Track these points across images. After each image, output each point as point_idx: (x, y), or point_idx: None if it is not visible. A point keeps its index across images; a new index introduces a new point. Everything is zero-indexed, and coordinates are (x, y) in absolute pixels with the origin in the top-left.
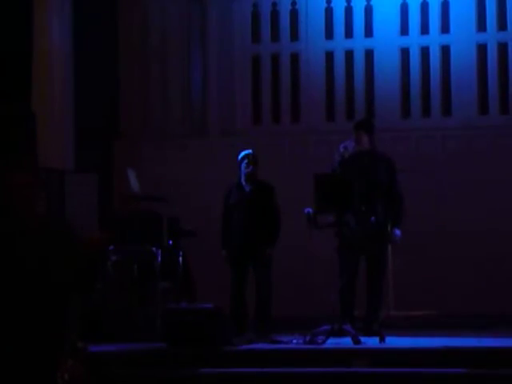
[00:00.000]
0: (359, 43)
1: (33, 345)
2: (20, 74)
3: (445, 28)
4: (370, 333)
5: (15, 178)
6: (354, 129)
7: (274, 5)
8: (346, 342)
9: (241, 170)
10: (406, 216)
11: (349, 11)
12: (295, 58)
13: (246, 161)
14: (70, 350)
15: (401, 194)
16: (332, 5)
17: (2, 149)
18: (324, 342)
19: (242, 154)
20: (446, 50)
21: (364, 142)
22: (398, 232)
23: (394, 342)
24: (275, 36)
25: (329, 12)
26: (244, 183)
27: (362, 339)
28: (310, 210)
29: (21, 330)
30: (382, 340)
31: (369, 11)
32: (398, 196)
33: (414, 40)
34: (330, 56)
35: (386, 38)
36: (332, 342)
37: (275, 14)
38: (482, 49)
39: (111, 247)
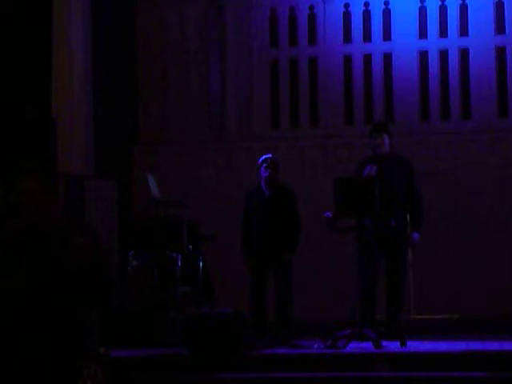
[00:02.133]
0: (377, 47)
1: (55, 350)
2: (40, 79)
3: (463, 31)
4: (391, 337)
5: (24, 184)
6: (374, 131)
7: (292, 9)
8: (367, 346)
9: (260, 174)
10: (425, 219)
11: (367, 15)
12: (313, 62)
13: (264, 165)
14: (92, 356)
15: (420, 198)
16: (350, 9)
17: (21, 154)
18: (345, 346)
19: (262, 158)
20: (464, 53)
21: (386, 144)
22: (416, 235)
23: (415, 345)
24: (293, 40)
25: (347, 16)
26: (264, 187)
27: (383, 343)
28: (330, 214)
29: (43, 336)
30: (403, 344)
31: (387, 15)
32: (418, 199)
33: (433, 43)
34: (348, 60)
35: (405, 42)
36: (353, 347)
37: (293, 19)
38: (500, 51)
39: (131, 252)
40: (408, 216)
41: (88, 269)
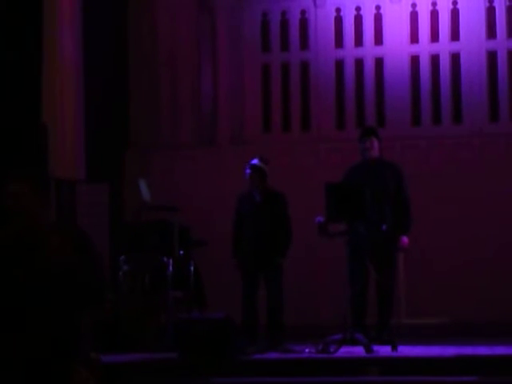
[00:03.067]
0: (369, 51)
1: (46, 356)
2: (30, 84)
3: (455, 35)
4: (382, 341)
5: (11, 187)
6: (364, 135)
7: (284, 14)
8: (359, 350)
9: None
10: (413, 223)
11: (358, 19)
12: (305, 67)
13: (247, 172)
14: (83, 361)
15: (409, 202)
16: (341, 13)
17: (13, 160)
18: (336, 350)
19: (248, 164)
20: (455, 58)
21: (375, 148)
22: (405, 239)
23: (406, 350)
24: (285, 45)
25: (338, 20)
26: (254, 192)
27: (375, 348)
28: (321, 219)
29: (33, 341)
30: (395, 348)
31: (378, 19)
32: (407, 203)
33: (424, 48)
34: (339, 64)
35: (396, 46)
36: (344, 351)
37: (285, 23)
38: (491, 56)
39: (122, 257)
40: (397, 220)
41: (68, 270)
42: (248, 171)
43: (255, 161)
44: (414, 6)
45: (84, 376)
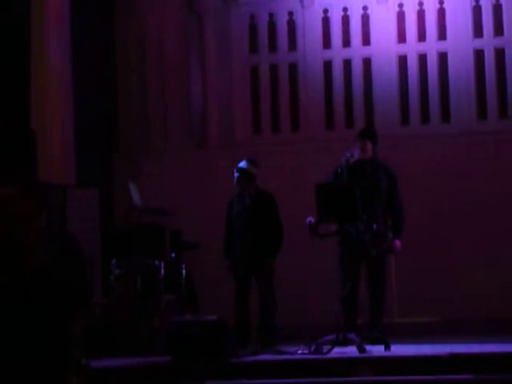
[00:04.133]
0: (357, 52)
1: (37, 363)
2: (18, 89)
3: (442, 35)
4: (374, 341)
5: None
6: (358, 136)
7: (271, 16)
8: (351, 351)
9: None
10: (405, 226)
11: (346, 20)
12: (293, 68)
13: (235, 175)
14: (74, 367)
15: (402, 205)
16: (329, 14)
17: (1, 166)
18: (329, 351)
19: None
20: (443, 57)
21: (368, 150)
22: (398, 243)
23: (399, 349)
24: (273, 46)
25: (326, 21)
26: (244, 194)
27: (367, 348)
28: (312, 220)
29: (23, 348)
30: (387, 348)
31: (365, 20)
32: (399, 207)
33: (412, 47)
34: (328, 65)
35: (384, 46)
36: (337, 352)
37: (272, 25)
38: (479, 55)
39: (113, 261)
40: (389, 222)
41: (45, 273)
42: (236, 175)
43: (243, 163)
44: (400, 6)
45: (75, 383)
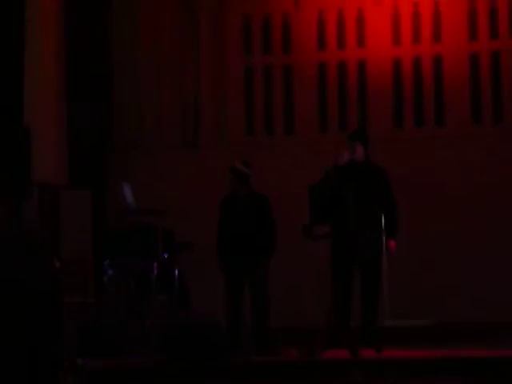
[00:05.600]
0: (352, 54)
1: (31, 363)
2: (12, 88)
3: (437, 37)
4: (367, 344)
5: None
6: (349, 139)
7: (266, 17)
8: (344, 353)
9: None
10: (400, 227)
11: (341, 22)
12: (287, 70)
13: (229, 176)
14: (69, 367)
15: (396, 206)
16: (324, 16)
17: None
18: (321, 353)
19: None
20: (438, 60)
21: (359, 152)
22: (392, 243)
23: (391, 352)
24: (267, 48)
25: (321, 23)
26: (237, 195)
27: (360, 350)
28: (306, 222)
29: (17, 348)
30: (379, 351)
31: (361, 22)
32: (394, 208)
33: (407, 50)
34: (322, 67)
35: (379, 49)
36: (329, 354)
37: (267, 26)
38: (474, 58)
39: (106, 261)
40: (383, 224)
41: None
42: (229, 176)
43: (236, 164)
44: (396, 8)
45: (71, 382)
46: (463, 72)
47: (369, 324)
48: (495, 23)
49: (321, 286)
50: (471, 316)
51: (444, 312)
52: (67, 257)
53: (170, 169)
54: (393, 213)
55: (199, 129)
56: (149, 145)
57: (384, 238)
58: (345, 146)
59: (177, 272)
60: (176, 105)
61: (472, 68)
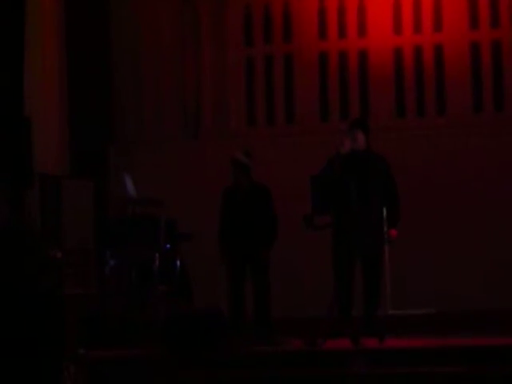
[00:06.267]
0: (353, 43)
1: (34, 354)
2: (13, 78)
3: (438, 26)
4: (369, 333)
5: None
6: (350, 127)
7: (267, 6)
8: (346, 343)
9: None
10: (401, 216)
11: (342, 11)
12: (289, 60)
13: (231, 166)
14: (71, 357)
15: (397, 195)
16: (325, 5)
17: None
18: (323, 343)
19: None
20: (439, 49)
21: (361, 140)
22: (394, 232)
23: (393, 341)
24: (268, 38)
25: (322, 12)
26: (239, 186)
27: (362, 340)
28: (308, 212)
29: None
30: (382, 340)
31: (362, 11)
32: (395, 196)
33: (408, 39)
34: (323, 56)
35: (380, 38)
36: (331, 344)
37: (268, 16)
38: (475, 47)
39: (108, 252)
40: (385, 213)
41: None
42: (231, 166)
43: (237, 155)
44: None
45: (72, 371)
46: (464, 61)
47: (371, 313)
48: (496, 12)
49: (322, 276)
50: (473, 305)
51: (446, 301)
52: (69, 247)
53: (171, 159)
54: (394, 202)
55: (200, 119)
56: (150, 135)
57: (386, 226)
58: (346, 135)
59: (178, 262)
60: (177, 95)
61: (473, 57)
